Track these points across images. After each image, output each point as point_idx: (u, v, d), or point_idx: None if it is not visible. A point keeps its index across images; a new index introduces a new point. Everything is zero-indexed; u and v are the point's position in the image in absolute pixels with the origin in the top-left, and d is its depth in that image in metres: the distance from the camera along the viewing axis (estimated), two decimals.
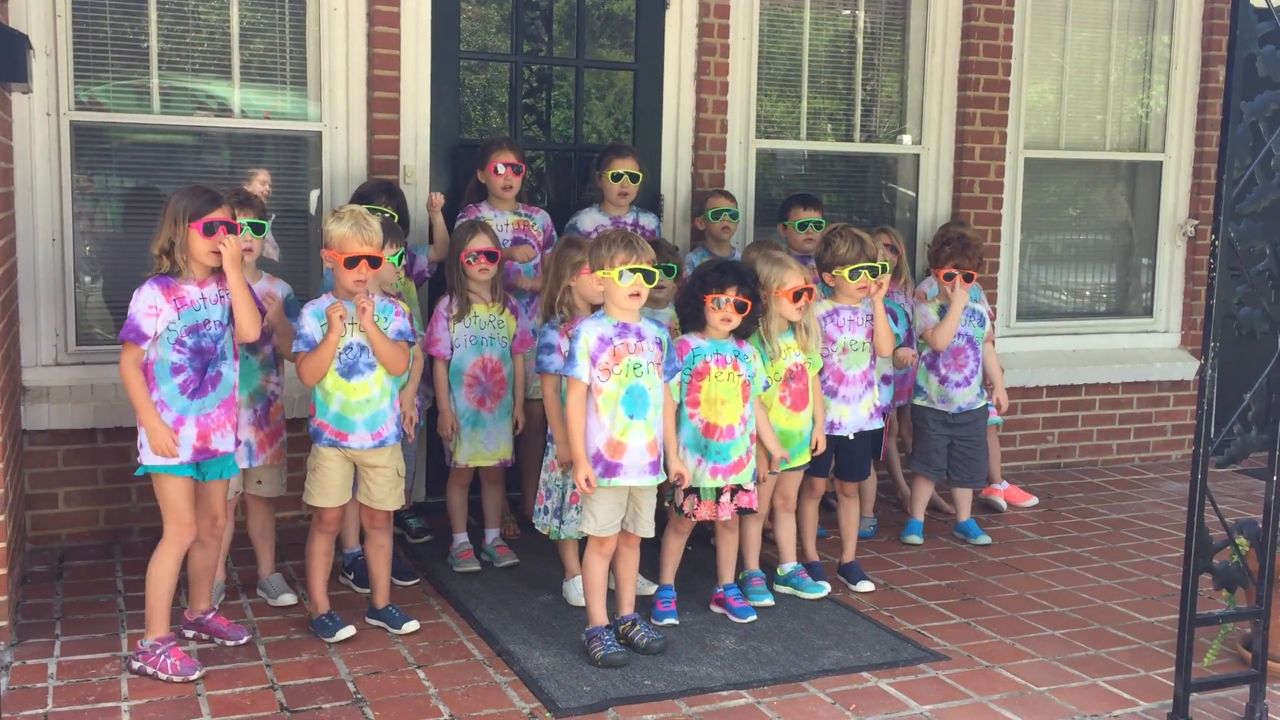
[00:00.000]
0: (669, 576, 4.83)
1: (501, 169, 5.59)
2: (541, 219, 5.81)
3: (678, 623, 4.70)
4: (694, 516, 4.66)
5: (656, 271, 4.42)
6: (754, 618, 4.77)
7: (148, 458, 4.12)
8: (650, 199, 6.35)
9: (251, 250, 4.65)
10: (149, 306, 4.05)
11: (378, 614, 4.63)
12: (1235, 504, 6.45)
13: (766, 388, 4.78)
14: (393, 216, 5.29)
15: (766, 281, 4.78)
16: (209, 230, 4.07)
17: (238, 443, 4.36)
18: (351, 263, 4.35)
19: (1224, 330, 3.81)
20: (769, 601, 4.93)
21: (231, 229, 4.13)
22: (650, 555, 4.84)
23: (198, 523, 4.22)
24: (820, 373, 5.04)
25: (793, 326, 4.88)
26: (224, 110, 5.76)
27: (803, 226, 6.02)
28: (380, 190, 5.40)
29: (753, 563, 5.04)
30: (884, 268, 5.21)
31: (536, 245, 5.70)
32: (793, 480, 5.07)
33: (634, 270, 4.28)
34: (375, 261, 4.40)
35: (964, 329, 5.81)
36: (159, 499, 4.17)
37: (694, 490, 4.64)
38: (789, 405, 4.89)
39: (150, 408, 4.06)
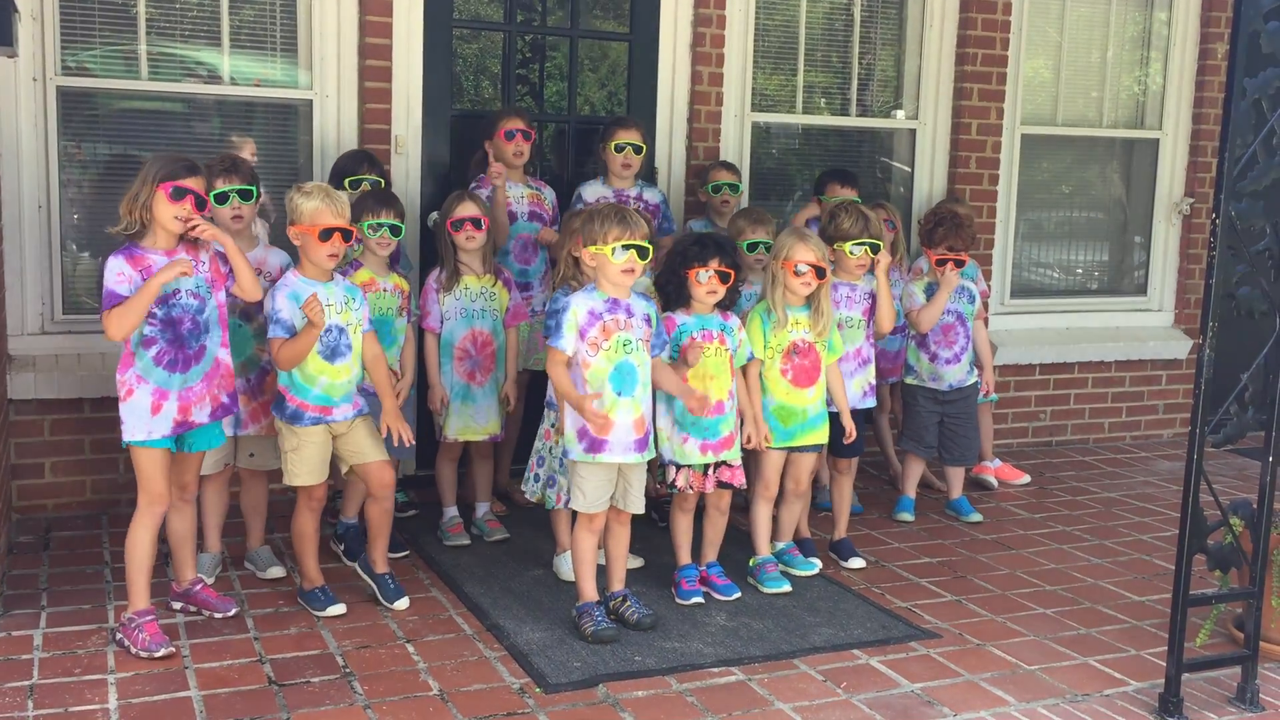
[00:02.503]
0: (685, 557, 4.78)
1: (513, 134, 5.53)
2: (550, 194, 5.78)
3: (704, 601, 4.67)
4: (689, 488, 4.61)
5: (650, 247, 4.37)
6: (739, 594, 4.74)
7: (129, 433, 4.08)
8: (646, 172, 6.30)
9: (241, 217, 4.60)
10: (117, 274, 4.01)
11: (375, 576, 4.58)
12: (1227, 484, 6.44)
13: (751, 359, 4.75)
14: (379, 182, 5.24)
15: (778, 251, 4.75)
16: (176, 195, 4.01)
17: (221, 410, 4.25)
18: (325, 235, 4.31)
19: (1222, 310, 3.79)
20: (814, 570, 5.01)
21: (201, 202, 4.08)
22: (645, 533, 4.81)
23: (170, 492, 4.20)
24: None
25: (808, 304, 4.83)
26: (213, 77, 5.69)
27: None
28: (361, 160, 5.35)
29: (783, 538, 5.06)
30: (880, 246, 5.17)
31: (548, 220, 5.67)
32: (806, 465, 5.01)
33: (628, 246, 4.24)
34: (348, 234, 4.39)
35: (954, 306, 5.77)
36: (135, 470, 4.14)
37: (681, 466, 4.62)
38: (790, 379, 4.82)
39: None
